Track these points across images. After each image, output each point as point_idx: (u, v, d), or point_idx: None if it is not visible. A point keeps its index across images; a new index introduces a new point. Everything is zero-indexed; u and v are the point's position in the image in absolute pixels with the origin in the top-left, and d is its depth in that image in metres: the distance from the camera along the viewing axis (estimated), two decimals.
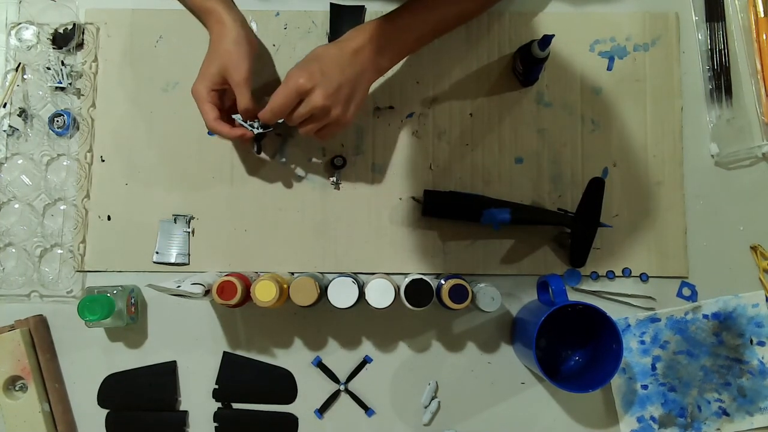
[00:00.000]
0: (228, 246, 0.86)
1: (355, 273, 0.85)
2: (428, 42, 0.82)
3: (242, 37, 0.77)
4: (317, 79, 0.72)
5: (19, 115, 0.87)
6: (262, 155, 0.86)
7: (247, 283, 0.77)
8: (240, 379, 0.85)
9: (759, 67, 0.89)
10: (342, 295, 0.76)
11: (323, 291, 0.77)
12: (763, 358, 0.85)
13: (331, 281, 0.77)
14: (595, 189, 0.82)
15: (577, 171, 0.87)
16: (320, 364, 0.85)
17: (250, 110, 0.77)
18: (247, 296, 0.77)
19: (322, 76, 0.73)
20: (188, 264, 0.86)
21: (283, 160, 0.87)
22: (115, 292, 0.81)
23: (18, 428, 0.82)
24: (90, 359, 0.85)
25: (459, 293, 0.75)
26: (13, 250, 0.86)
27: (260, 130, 0.79)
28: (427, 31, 0.80)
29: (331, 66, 0.73)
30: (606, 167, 0.87)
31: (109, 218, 0.87)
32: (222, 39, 0.77)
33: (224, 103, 0.80)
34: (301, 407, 0.85)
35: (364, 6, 0.87)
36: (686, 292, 0.86)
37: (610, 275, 0.86)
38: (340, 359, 0.85)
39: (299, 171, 0.87)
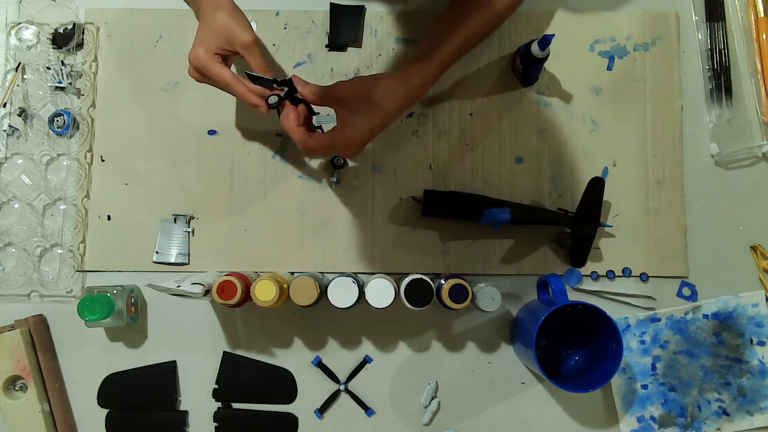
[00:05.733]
0: (228, 246, 0.86)
1: (355, 273, 0.85)
2: None
3: (238, 10, 0.74)
4: (366, 137, 0.71)
5: (19, 115, 0.87)
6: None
7: (247, 283, 0.77)
8: (240, 379, 0.85)
9: (759, 67, 0.89)
10: (342, 295, 0.76)
11: (323, 291, 0.77)
12: (763, 357, 0.85)
13: (331, 281, 0.77)
14: (595, 189, 0.82)
15: (577, 171, 0.87)
16: (320, 364, 0.85)
17: (265, 72, 0.73)
18: (247, 296, 0.77)
19: (373, 132, 0.71)
20: (188, 264, 0.86)
21: (284, 160, 0.87)
22: (115, 292, 0.81)
23: (18, 428, 0.82)
24: (90, 359, 0.85)
25: (459, 293, 0.75)
26: (13, 250, 0.86)
27: (277, 99, 0.72)
28: (458, 58, 0.78)
29: (383, 119, 0.71)
30: (606, 167, 0.87)
31: (109, 218, 0.87)
32: (217, 10, 0.73)
33: None
34: (301, 407, 0.85)
35: (364, 6, 0.87)
36: (686, 291, 0.86)
37: (610, 275, 0.86)
38: (340, 359, 0.85)
39: (299, 171, 0.87)
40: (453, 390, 0.85)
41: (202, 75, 0.74)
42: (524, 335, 0.79)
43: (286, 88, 0.72)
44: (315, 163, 0.87)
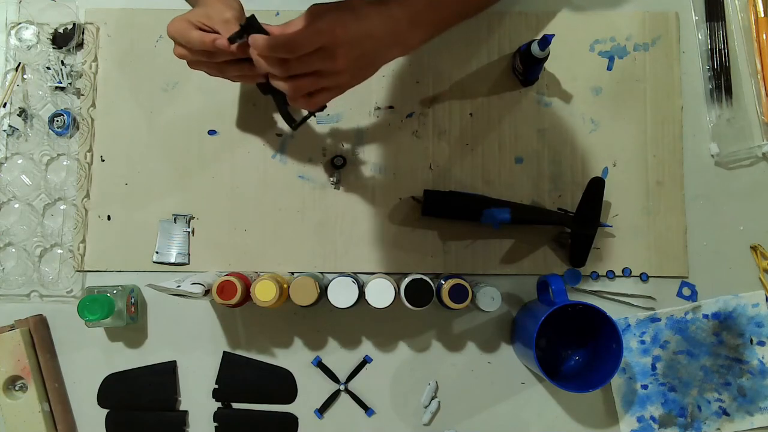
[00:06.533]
0: (228, 246, 0.86)
1: (355, 273, 0.85)
2: (453, 25, 0.78)
3: (237, 0, 0.72)
4: (350, 35, 0.65)
5: (19, 115, 0.87)
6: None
7: (247, 283, 0.77)
8: (240, 379, 0.85)
9: (759, 67, 0.89)
10: (342, 295, 0.76)
11: (323, 291, 0.77)
12: (763, 357, 0.85)
13: (331, 281, 0.77)
14: (595, 189, 0.82)
15: (577, 171, 0.87)
16: (320, 364, 0.85)
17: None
18: (247, 296, 0.77)
19: (357, 36, 0.65)
20: (188, 264, 0.86)
21: (284, 160, 0.87)
22: (115, 292, 0.81)
23: (18, 428, 0.82)
24: (90, 359, 0.85)
25: (459, 293, 0.75)
26: (13, 250, 0.86)
27: (239, 33, 0.66)
28: (455, 9, 0.76)
29: (367, 29, 0.66)
30: (606, 167, 0.87)
31: (109, 218, 0.87)
32: None
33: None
34: (301, 407, 0.85)
35: None
36: (686, 291, 0.86)
37: (610, 275, 0.86)
38: (340, 359, 0.85)
39: (299, 171, 0.87)
40: (453, 390, 0.85)
41: (175, 42, 0.71)
42: (524, 335, 0.79)
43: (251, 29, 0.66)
44: (315, 163, 0.87)
